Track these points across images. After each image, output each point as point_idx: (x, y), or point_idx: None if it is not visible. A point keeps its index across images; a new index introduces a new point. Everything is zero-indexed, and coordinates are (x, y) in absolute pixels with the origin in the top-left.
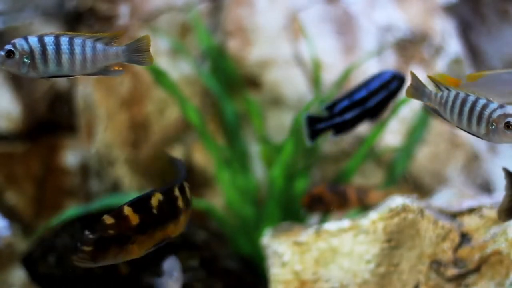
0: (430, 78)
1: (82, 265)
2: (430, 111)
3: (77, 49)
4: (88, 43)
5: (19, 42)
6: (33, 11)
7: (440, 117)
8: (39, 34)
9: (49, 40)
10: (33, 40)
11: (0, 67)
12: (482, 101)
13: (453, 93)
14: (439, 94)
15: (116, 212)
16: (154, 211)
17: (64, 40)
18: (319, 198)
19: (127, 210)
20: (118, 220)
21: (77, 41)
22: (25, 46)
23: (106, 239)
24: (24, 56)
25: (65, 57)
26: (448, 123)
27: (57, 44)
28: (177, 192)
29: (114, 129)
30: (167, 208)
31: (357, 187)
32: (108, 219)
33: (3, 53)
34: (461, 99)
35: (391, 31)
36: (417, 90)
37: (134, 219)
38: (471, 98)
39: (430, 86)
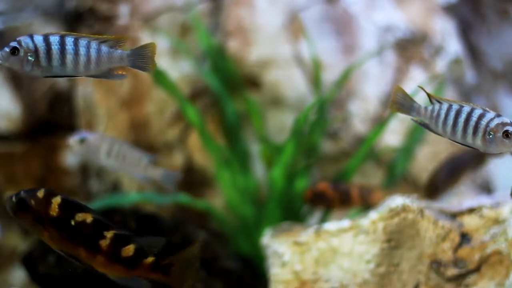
0: (422, 89)
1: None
2: (419, 125)
3: (82, 50)
4: (93, 44)
5: (24, 39)
6: (33, 11)
7: (430, 130)
8: (45, 33)
9: (54, 39)
10: (38, 39)
11: (3, 63)
12: (478, 111)
13: (445, 105)
14: (430, 107)
15: (49, 193)
16: (72, 222)
17: (69, 40)
18: (322, 195)
19: (55, 200)
20: (42, 200)
21: (82, 42)
22: (30, 44)
23: (26, 205)
24: (29, 54)
25: (69, 57)
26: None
27: (62, 44)
28: (110, 235)
29: (114, 129)
30: (86, 233)
31: (361, 186)
32: (40, 193)
33: (7, 50)
34: (455, 110)
35: (391, 31)
36: (404, 105)
37: (53, 210)
38: (466, 108)
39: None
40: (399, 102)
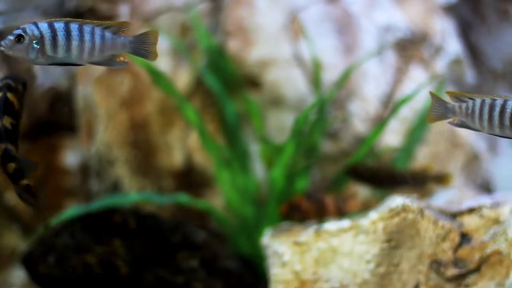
0: (449, 93)
1: None
2: (455, 126)
3: (87, 36)
4: (97, 31)
5: (29, 27)
6: (33, 11)
7: (468, 128)
8: (48, 20)
9: (59, 26)
10: (43, 26)
11: (8, 51)
12: (511, 102)
13: (478, 101)
14: (464, 105)
15: (7, 86)
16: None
17: (74, 27)
18: (297, 207)
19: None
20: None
21: (87, 28)
22: (36, 31)
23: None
24: (34, 41)
25: (74, 43)
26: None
27: (67, 31)
28: (2, 147)
29: (114, 129)
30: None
31: (336, 195)
32: (6, 81)
33: (12, 38)
34: (489, 105)
35: (391, 31)
36: (440, 111)
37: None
38: (499, 101)
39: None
40: (437, 109)
